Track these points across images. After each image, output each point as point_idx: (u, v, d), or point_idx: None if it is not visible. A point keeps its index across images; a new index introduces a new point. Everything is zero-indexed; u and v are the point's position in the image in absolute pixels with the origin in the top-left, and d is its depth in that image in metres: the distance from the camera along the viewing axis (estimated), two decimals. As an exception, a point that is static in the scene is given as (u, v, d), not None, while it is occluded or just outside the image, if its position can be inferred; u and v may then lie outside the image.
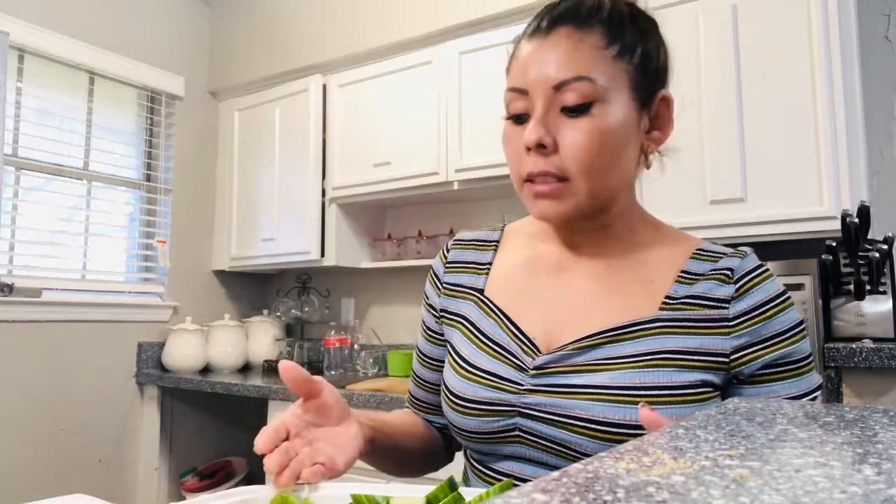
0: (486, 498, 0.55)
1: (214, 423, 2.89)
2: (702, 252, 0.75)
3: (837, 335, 1.64)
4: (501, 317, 0.78)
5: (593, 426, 0.67)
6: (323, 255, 2.59)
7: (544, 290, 0.78)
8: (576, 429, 0.68)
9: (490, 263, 0.84)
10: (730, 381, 0.71)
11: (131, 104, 2.82)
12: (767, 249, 1.85)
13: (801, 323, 0.71)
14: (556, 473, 0.26)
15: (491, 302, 0.80)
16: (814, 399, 0.70)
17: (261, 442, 0.64)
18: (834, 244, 1.64)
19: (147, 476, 2.64)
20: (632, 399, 0.67)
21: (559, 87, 0.68)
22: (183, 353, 2.66)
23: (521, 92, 0.71)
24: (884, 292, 1.60)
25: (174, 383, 2.55)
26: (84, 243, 2.61)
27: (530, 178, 0.71)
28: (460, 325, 0.82)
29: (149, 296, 2.77)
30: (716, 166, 1.80)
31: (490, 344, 0.77)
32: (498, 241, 0.86)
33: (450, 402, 0.78)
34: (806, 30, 1.71)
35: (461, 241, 0.89)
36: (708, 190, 1.81)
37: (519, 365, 0.74)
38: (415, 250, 2.57)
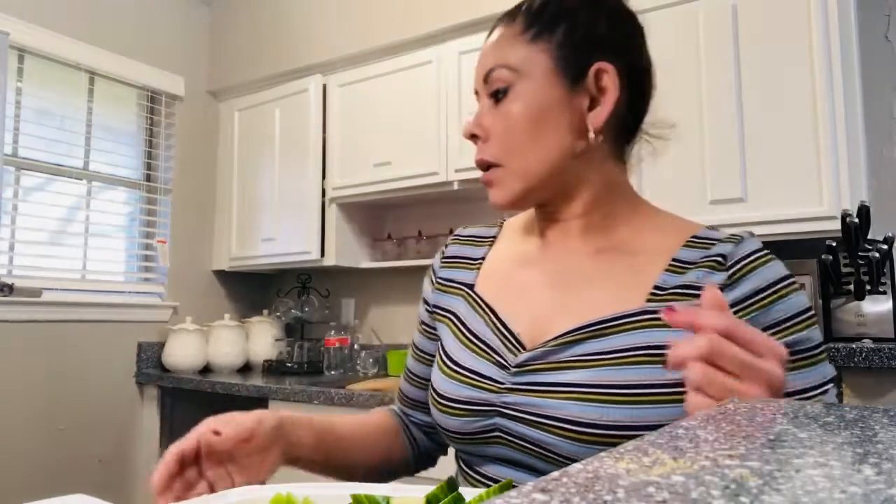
0: (486, 498, 0.55)
1: (214, 423, 2.89)
2: (696, 239, 0.71)
3: (837, 335, 1.64)
4: (488, 312, 0.77)
5: (568, 426, 0.64)
6: (323, 255, 2.59)
7: (531, 284, 0.76)
8: (551, 429, 0.65)
9: (483, 258, 0.84)
10: None
11: (131, 104, 2.82)
12: (767, 249, 1.86)
13: (807, 310, 0.66)
14: (556, 473, 0.26)
15: (480, 297, 0.79)
16: (825, 392, 0.65)
17: (157, 486, 0.65)
18: (834, 244, 1.64)
19: (147, 476, 2.63)
20: (610, 398, 0.63)
21: (486, 79, 0.74)
22: (183, 353, 2.66)
23: (475, 93, 0.78)
24: (884, 292, 1.60)
25: (174, 383, 2.55)
26: (84, 243, 2.61)
27: (481, 169, 0.76)
28: (449, 322, 0.81)
29: (149, 296, 2.77)
30: (716, 166, 1.80)
31: (475, 341, 0.76)
32: (495, 237, 0.86)
33: (434, 401, 0.77)
34: (806, 30, 1.71)
35: (460, 236, 0.89)
36: (708, 190, 1.81)
37: (501, 363, 0.72)
38: (415, 250, 2.57)
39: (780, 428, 0.35)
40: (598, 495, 0.23)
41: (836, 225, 1.63)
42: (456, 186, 2.28)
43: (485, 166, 0.75)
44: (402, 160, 2.39)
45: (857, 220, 1.58)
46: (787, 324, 0.65)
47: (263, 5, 2.89)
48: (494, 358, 0.73)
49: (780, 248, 1.83)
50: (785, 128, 1.72)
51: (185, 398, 2.76)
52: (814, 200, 1.67)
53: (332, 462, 0.79)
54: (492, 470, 0.72)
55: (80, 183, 2.60)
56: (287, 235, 2.69)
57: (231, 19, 3.01)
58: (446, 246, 0.90)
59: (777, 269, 0.68)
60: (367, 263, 2.67)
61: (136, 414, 2.65)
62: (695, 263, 0.69)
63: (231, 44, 3.00)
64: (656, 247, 0.72)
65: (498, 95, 0.73)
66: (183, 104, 2.92)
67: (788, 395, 0.62)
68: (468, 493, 0.57)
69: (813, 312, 0.67)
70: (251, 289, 3.16)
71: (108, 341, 2.58)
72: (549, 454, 0.66)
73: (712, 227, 0.74)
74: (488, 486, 0.71)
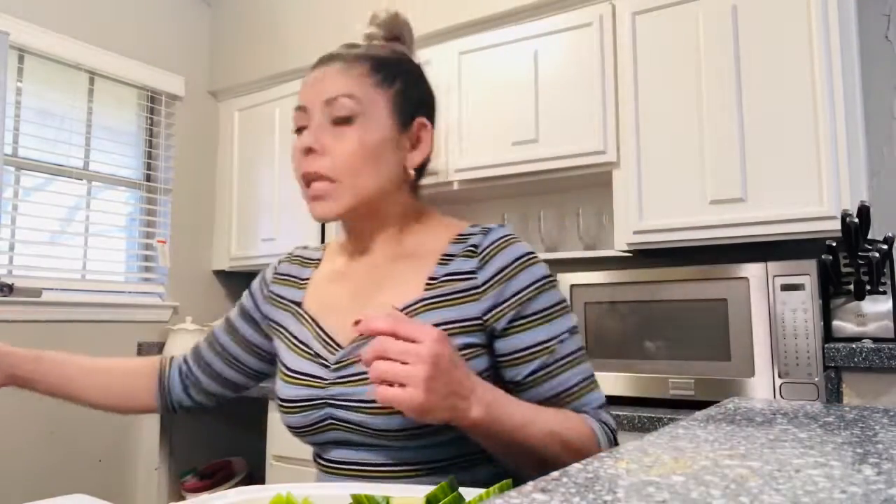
0: (486, 498, 0.55)
1: (214, 423, 2.89)
2: (460, 236, 0.86)
3: (837, 335, 1.64)
4: (311, 323, 0.89)
5: (373, 406, 0.77)
6: (323, 255, 2.59)
7: (342, 295, 0.89)
8: (370, 410, 0.77)
9: (308, 279, 0.96)
10: (491, 339, 0.81)
11: (131, 104, 2.82)
12: (767, 249, 1.86)
13: (544, 277, 0.81)
14: (555, 473, 0.26)
15: (306, 312, 0.91)
16: (563, 341, 0.80)
17: None
18: (834, 244, 1.64)
19: (147, 476, 2.64)
20: None
21: (329, 102, 0.83)
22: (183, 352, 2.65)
23: (302, 109, 0.86)
24: (884, 292, 1.60)
25: (174, 383, 2.54)
26: (84, 243, 2.61)
27: (307, 182, 0.84)
28: (282, 336, 0.93)
29: (149, 296, 2.77)
30: (716, 166, 1.80)
31: (302, 347, 0.88)
32: (320, 259, 0.98)
33: (278, 407, 0.88)
34: (806, 30, 1.71)
35: (291, 255, 1.02)
36: (708, 190, 1.81)
37: (323, 363, 0.84)
38: (415, 250, 2.57)
39: (780, 428, 0.35)
40: (598, 495, 0.23)
41: (836, 225, 1.63)
42: (456, 186, 2.28)
43: (315, 178, 0.83)
44: (402, 160, 2.38)
45: (857, 220, 1.58)
46: (524, 291, 0.80)
47: (263, 5, 2.89)
48: (317, 360, 0.85)
49: (781, 248, 1.84)
50: (785, 128, 1.72)
51: (185, 398, 2.76)
52: (814, 200, 1.67)
53: (58, 393, 1.03)
54: (335, 454, 0.83)
55: (80, 183, 2.60)
56: (287, 235, 2.69)
57: (231, 19, 3.01)
58: (279, 262, 1.02)
59: (518, 248, 0.82)
60: (367, 263, 2.67)
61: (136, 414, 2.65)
62: (457, 255, 0.84)
63: (231, 44, 3.00)
64: (430, 245, 0.87)
65: (341, 120, 0.83)
66: (183, 104, 2.92)
67: (534, 346, 0.79)
68: (468, 493, 0.57)
69: (549, 279, 0.82)
70: (251, 289, 3.16)
71: (108, 341, 2.57)
72: (368, 430, 0.78)
73: (474, 225, 0.88)
74: (335, 468, 0.82)
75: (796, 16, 1.73)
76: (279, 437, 2.20)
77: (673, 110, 1.88)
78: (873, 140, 1.93)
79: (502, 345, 0.80)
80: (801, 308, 1.59)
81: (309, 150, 0.83)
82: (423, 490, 0.57)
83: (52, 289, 2.41)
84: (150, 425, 2.65)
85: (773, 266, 1.64)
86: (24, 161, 2.42)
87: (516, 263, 0.81)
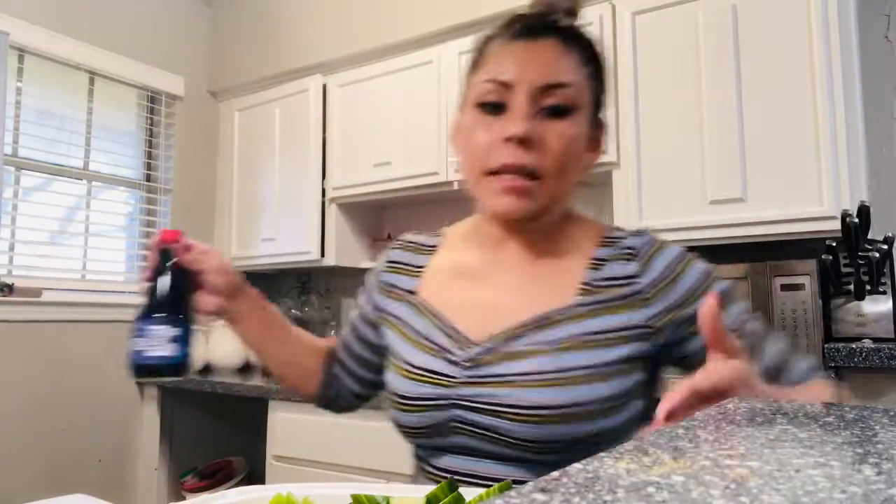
0: (486, 498, 0.55)
1: (214, 423, 2.89)
2: (607, 238, 0.81)
3: (837, 335, 1.64)
4: (433, 315, 0.82)
5: (524, 411, 0.71)
6: (323, 255, 2.59)
7: (473, 290, 0.83)
8: (508, 416, 0.71)
9: (423, 267, 0.89)
10: (660, 347, 0.75)
11: (131, 104, 2.82)
12: (767, 249, 1.86)
13: (706, 274, 0.77)
14: (555, 473, 0.26)
15: (423, 303, 0.85)
16: (745, 312, 0.77)
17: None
18: (834, 244, 1.64)
19: (147, 476, 2.64)
20: (561, 381, 0.71)
21: (546, 89, 0.73)
22: (183, 353, 2.65)
23: (506, 85, 0.74)
24: (884, 292, 1.60)
25: (174, 383, 2.55)
26: (84, 243, 2.61)
27: (498, 171, 0.74)
28: (395, 326, 0.87)
29: (149, 296, 2.77)
30: (716, 166, 1.80)
31: (424, 341, 0.81)
32: (435, 247, 0.92)
33: (394, 403, 0.81)
34: (806, 30, 1.71)
35: (402, 241, 0.96)
36: (708, 190, 1.81)
37: (451, 359, 0.77)
38: (415, 250, 2.57)
39: (780, 428, 0.35)
40: (598, 495, 0.23)
41: (836, 225, 1.63)
42: (456, 186, 2.28)
43: (515, 171, 0.73)
44: (402, 160, 2.38)
45: (857, 220, 1.58)
46: (696, 289, 0.76)
47: (263, 5, 2.89)
48: (444, 355, 0.78)
49: (781, 248, 1.84)
50: (785, 128, 1.72)
51: (185, 398, 2.76)
52: (814, 200, 1.67)
53: (255, 344, 0.92)
54: (446, 462, 0.78)
55: (80, 183, 2.60)
56: (287, 235, 2.69)
57: (231, 19, 3.01)
58: (391, 249, 0.96)
59: (674, 248, 0.79)
60: (367, 263, 2.67)
61: (136, 414, 2.65)
62: (610, 259, 0.79)
63: (231, 44, 3.00)
64: (576, 248, 0.81)
65: (556, 112, 0.74)
66: (183, 104, 2.92)
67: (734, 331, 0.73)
68: (468, 493, 0.57)
69: (714, 270, 0.79)
70: (251, 289, 3.16)
71: (108, 341, 2.57)
72: (504, 438, 0.72)
73: (615, 227, 0.85)
74: (444, 478, 0.73)
75: (796, 16, 1.73)
76: (279, 437, 2.20)
77: (673, 110, 1.88)
78: (873, 140, 1.93)
79: (689, 345, 0.75)
80: (801, 308, 1.59)
81: (522, 141, 0.72)
82: (423, 490, 0.57)
83: (52, 289, 2.41)
84: (151, 425, 2.65)
85: (773, 266, 1.64)
86: (24, 161, 2.42)
87: (680, 263, 0.77)
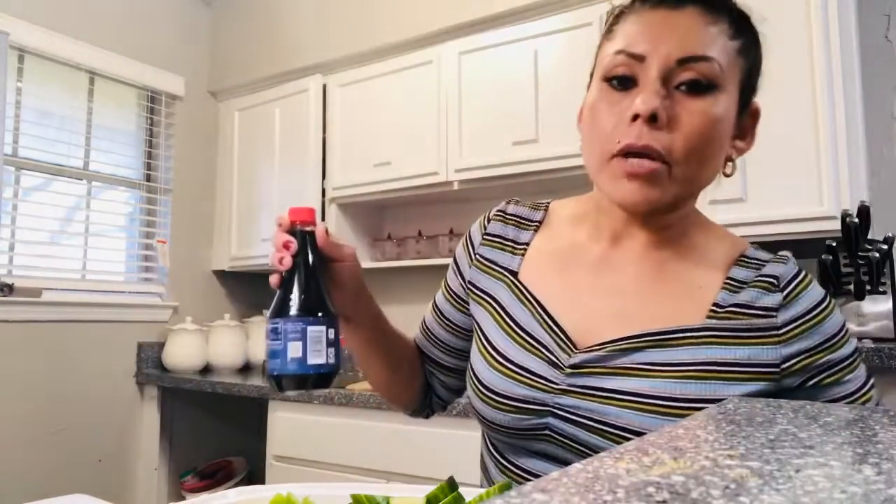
0: (486, 498, 0.55)
1: (214, 423, 2.89)
2: (746, 259, 0.71)
3: (837, 335, 1.64)
4: (536, 306, 0.74)
5: (626, 435, 0.64)
6: (323, 255, 2.58)
7: (583, 284, 0.74)
8: (610, 436, 0.65)
9: (528, 244, 0.80)
10: (780, 391, 0.67)
11: (131, 104, 2.82)
12: (767, 249, 1.86)
13: (844, 325, 0.69)
14: (556, 473, 0.26)
15: (525, 288, 0.76)
16: (867, 393, 0.68)
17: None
18: (834, 244, 1.64)
19: (147, 476, 2.64)
20: (672, 410, 0.64)
21: (684, 62, 0.64)
22: (183, 353, 2.65)
23: (638, 58, 0.66)
24: (884, 292, 1.60)
25: (174, 383, 2.55)
26: (84, 243, 2.61)
27: (624, 153, 0.65)
28: (490, 308, 0.78)
29: (149, 296, 2.77)
30: (716, 166, 1.80)
31: (523, 335, 0.73)
32: (540, 222, 0.81)
33: (481, 395, 0.74)
34: (806, 30, 1.71)
35: (503, 213, 0.84)
36: (708, 190, 1.80)
37: (554, 361, 0.70)
38: (415, 250, 2.57)
39: (780, 428, 0.35)
40: (598, 495, 0.23)
41: (836, 225, 1.63)
42: (456, 186, 2.28)
43: (641, 154, 0.64)
44: (402, 160, 2.38)
45: (857, 220, 1.58)
46: (832, 339, 0.67)
47: (264, 5, 2.89)
48: (546, 356, 0.71)
49: (781, 248, 1.84)
50: (785, 128, 1.72)
51: (185, 398, 2.76)
52: (814, 200, 1.67)
53: (362, 349, 0.85)
54: (532, 464, 0.72)
55: (80, 183, 2.60)
56: (287, 235, 2.69)
57: (231, 19, 3.01)
58: (487, 220, 0.84)
59: (819, 289, 0.69)
60: (366, 263, 2.67)
61: (136, 414, 2.65)
62: (747, 283, 0.69)
63: (231, 44, 3.00)
64: (710, 263, 0.72)
65: (695, 87, 0.64)
66: (183, 104, 2.92)
67: (846, 395, 0.67)
68: (468, 493, 0.57)
69: (848, 328, 0.70)
70: (251, 289, 3.16)
71: (108, 341, 2.57)
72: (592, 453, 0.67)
73: (754, 245, 0.75)
74: (527, 478, 0.71)
75: (796, 16, 1.73)
76: (279, 437, 2.20)
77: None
78: (873, 140, 1.93)
79: (803, 397, 0.66)
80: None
81: (650, 119, 0.63)
82: (423, 490, 0.57)
83: (52, 289, 2.41)
84: (150, 425, 2.65)
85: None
86: (24, 161, 2.42)
87: (823, 307, 0.67)
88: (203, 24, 3.05)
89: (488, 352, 0.75)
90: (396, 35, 2.46)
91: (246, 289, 3.14)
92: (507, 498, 0.23)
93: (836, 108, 1.68)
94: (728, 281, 0.70)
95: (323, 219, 2.61)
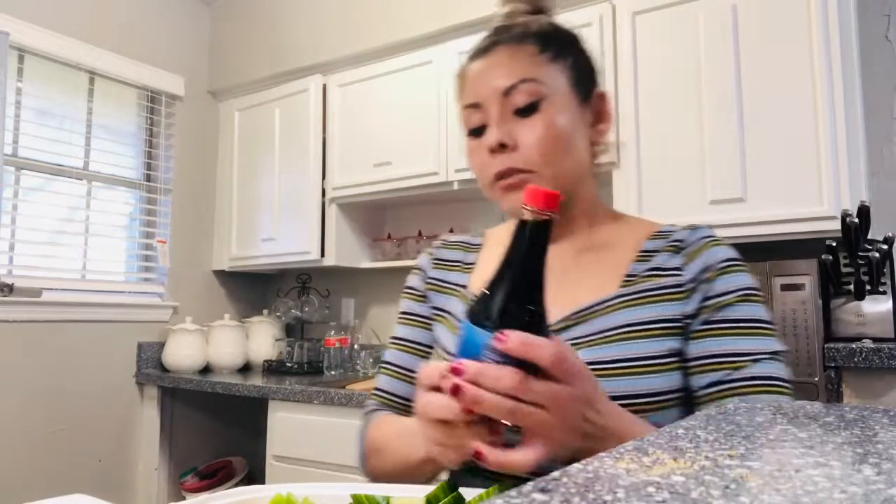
0: (486, 498, 0.55)
1: (214, 423, 2.89)
2: (659, 232, 0.81)
3: (837, 335, 1.64)
4: None
5: None
6: (323, 255, 2.59)
7: None
8: None
9: (474, 264, 0.90)
10: (688, 341, 0.73)
11: (131, 104, 2.82)
12: (767, 249, 1.86)
13: (750, 287, 0.74)
14: (556, 473, 0.26)
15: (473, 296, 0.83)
16: (759, 361, 0.69)
17: None
18: (834, 244, 1.64)
19: (147, 476, 2.64)
20: (606, 373, 0.70)
21: (508, 92, 0.76)
22: (183, 353, 2.65)
23: (476, 106, 0.79)
24: (884, 292, 1.60)
25: (174, 383, 2.55)
26: (84, 243, 2.61)
27: (498, 178, 0.77)
28: (446, 321, 0.86)
29: (149, 296, 2.77)
30: (716, 166, 1.80)
31: None
32: (480, 245, 0.93)
33: None
34: (806, 30, 1.71)
35: (446, 241, 0.96)
36: (708, 190, 1.81)
37: None
38: (415, 250, 2.57)
39: (780, 428, 0.35)
40: (598, 495, 0.23)
41: (836, 225, 1.63)
42: (456, 186, 2.28)
43: (509, 174, 0.76)
44: (402, 160, 2.38)
45: (857, 220, 1.58)
46: (725, 296, 0.73)
47: (263, 5, 2.89)
48: None
49: (781, 248, 1.84)
50: (785, 128, 1.72)
51: (185, 398, 2.76)
52: (814, 200, 1.67)
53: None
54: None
55: (80, 183, 2.60)
56: (287, 235, 2.69)
57: (231, 19, 3.01)
58: (435, 249, 0.96)
59: (725, 250, 0.77)
60: (367, 263, 2.67)
61: (136, 414, 2.65)
62: (658, 250, 0.78)
63: (231, 44, 3.00)
64: (624, 241, 0.81)
65: (527, 108, 0.76)
66: (183, 104, 2.92)
67: (720, 356, 0.70)
68: (468, 493, 0.57)
69: (755, 291, 0.75)
70: (251, 289, 3.16)
71: (108, 341, 2.58)
72: None
73: (672, 224, 0.84)
74: (499, 472, 0.70)
75: (796, 16, 1.73)
76: (279, 437, 2.20)
77: (673, 110, 1.88)
78: (873, 140, 1.93)
79: (689, 348, 0.72)
80: (801, 308, 1.59)
81: (501, 147, 0.76)
82: (423, 490, 0.57)
83: (52, 289, 2.41)
84: (151, 425, 2.65)
85: (773, 266, 1.64)
86: (24, 161, 2.42)
87: (724, 265, 0.75)
88: (203, 24, 3.05)
89: (443, 357, 0.82)
90: (396, 35, 2.46)
91: (246, 289, 3.14)
92: (507, 498, 0.23)
93: (836, 108, 1.68)
94: (641, 253, 0.79)
95: (323, 219, 2.61)
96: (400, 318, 0.94)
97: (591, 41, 2.02)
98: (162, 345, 2.72)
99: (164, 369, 2.70)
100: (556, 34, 0.81)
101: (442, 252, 0.94)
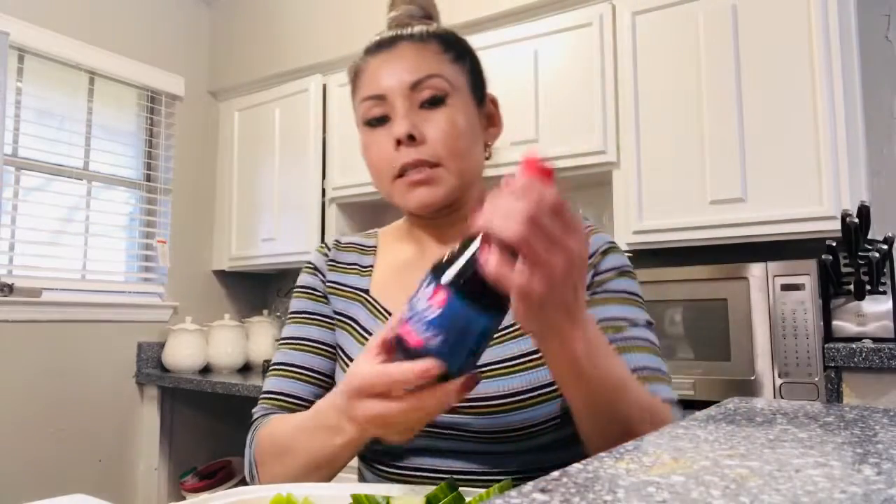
0: (486, 498, 0.55)
1: (214, 423, 2.89)
2: None
3: (837, 335, 1.64)
4: (388, 317, 0.81)
5: (476, 403, 0.72)
6: (323, 255, 2.59)
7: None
8: (464, 410, 0.73)
9: (372, 266, 0.90)
10: None
11: (131, 104, 2.82)
12: (767, 249, 1.86)
13: (625, 265, 0.80)
14: (556, 473, 0.26)
15: (377, 302, 0.85)
16: (636, 325, 0.75)
17: None
18: (834, 244, 1.64)
19: (147, 476, 2.64)
20: (505, 371, 0.74)
21: (415, 86, 0.77)
22: (183, 353, 2.65)
23: (379, 98, 0.79)
24: (884, 292, 1.60)
25: (174, 383, 2.55)
26: (84, 243, 2.61)
27: (402, 173, 0.77)
28: (350, 328, 0.85)
29: (149, 296, 2.77)
30: (716, 166, 1.80)
31: None
32: (375, 247, 0.93)
33: None
34: (806, 30, 1.72)
35: (338, 241, 0.95)
36: (708, 190, 1.81)
37: None
38: (415, 250, 2.57)
39: (780, 428, 0.35)
40: (598, 495, 0.23)
41: (836, 225, 1.63)
42: (456, 186, 2.28)
43: (414, 167, 0.77)
44: (402, 160, 2.38)
45: (857, 220, 1.58)
46: (609, 272, 0.79)
47: (263, 5, 2.89)
48: None
49: (781, 248, 1.84)
50: (785, 128, 1.72)
51: (185, 398, 2.76)
52: (814, 200, 1.67)
53: None
54: (417, 461, 0.76)
55: (80, 183, 2.60)
56: (287, 235, 2.69)
57: (231, 19, 3.01)
58: (328, 249, 0.93)
59: (601, 236, 0.82)
60: (367, 263, 2.67)
61: (136, 414, 2.65)
62: None
63: (231, 44, 3.00)
64: None
65: (433, 102, 0.78)
66: (183, 104, 2.92)
67: (604, 319, 0.75)
68: (468, 493, 0.57)
69: (631, 268, 0.81)
70: (251, 289, 3.16)
71: (108, 341, 2.57)
72: (461, 433, 0.73)
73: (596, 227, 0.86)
74: (420, 478, 0.75)
75: (796, 16, 1.73)
76: (279, 437, 2.20)
77: (673, 110, 1.88)
78: (873, 140, 1.93)
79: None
80: (801, 308, 1.59)
81: (408, 139, 0.76)
82: (422, 490, 0.57)
83: (52, 289, 2.41)
84: (150, 425, 2.65)
85: (773, 266, 1.64)
86: (24, 161, 2.42)
87: (602, 248, 0.80)
88: (203, 24, 3.05)
89: (348, 367, 0.81)
90: (396, 35, 2.45)
91: (246, 289, 3.14)
92: (507, 498, 0.23)
93: (836, 108, 1.68)
94: None
95: (323, 219, 2.61)
96: (295, 317, 0.90)
97: (592, 41, 2.03)
98: (162, 345, 2.72)
99: (164, 369, 2.70)
100: (455, 38, 0.85)
101: (336, 254, 0.92)
